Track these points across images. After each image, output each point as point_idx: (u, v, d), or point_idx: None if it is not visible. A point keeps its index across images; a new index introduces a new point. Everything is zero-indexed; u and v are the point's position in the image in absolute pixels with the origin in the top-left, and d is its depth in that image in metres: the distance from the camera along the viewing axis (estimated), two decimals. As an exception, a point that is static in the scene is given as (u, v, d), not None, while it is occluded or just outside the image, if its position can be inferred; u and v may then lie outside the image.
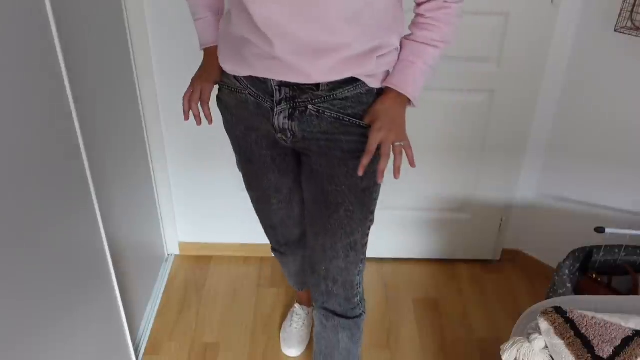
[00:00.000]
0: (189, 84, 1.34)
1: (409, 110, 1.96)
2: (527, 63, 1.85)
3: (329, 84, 1.16)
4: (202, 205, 2.20)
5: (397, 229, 2.23)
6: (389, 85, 1.20)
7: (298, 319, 1.95)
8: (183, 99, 1.32)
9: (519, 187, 2.13)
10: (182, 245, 2.31)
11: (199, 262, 2.29)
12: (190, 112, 1.33)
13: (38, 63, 1.17)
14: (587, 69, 1.82)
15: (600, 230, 1.74)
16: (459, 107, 1.95)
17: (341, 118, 1.20)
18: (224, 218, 2.23)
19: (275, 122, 1.23)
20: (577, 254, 1.79)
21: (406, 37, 1.21)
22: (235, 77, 1.25)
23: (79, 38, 1.41)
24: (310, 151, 1.27)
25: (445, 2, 1.17)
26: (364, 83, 1.18)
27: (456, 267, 2.30)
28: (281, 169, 1.38)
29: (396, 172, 1.15)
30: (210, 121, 1.31)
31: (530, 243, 2.25)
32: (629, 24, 1.60)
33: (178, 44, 1.84)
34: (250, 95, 1.24)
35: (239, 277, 2.23)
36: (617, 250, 1.79)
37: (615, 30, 1.62)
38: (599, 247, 1.79)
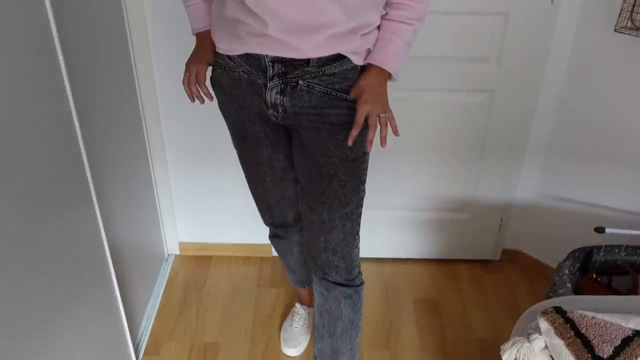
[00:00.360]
0: (184, 69, 1.41)
1: (408, 110, 1.96)
2: (527, 63, 1.85)
3: (318, 60, 1.24)
4: (202, 205, 2.20)
5: (397, 229, 2.24)
6: (371, 62, 1.28)
7: (299, 318, 1.95)
8: (183, 84, 1.40)
9: (518, 187, 2.13)
10: (182, 245, 2.31)
11: (199, 262, 2.29)
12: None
13: (38, 63, 1.17)
14: (587, 69, 1.82)
15: (600, 230, 1.74)
16: (459, 107, 1.95)
17: (329, 92, 1.27)
18: (224, 218, 2.23)
19: (268, 98, 1.30)
20: (577, 254, 1.79)
21: (383, 17, 1.29)
22: (228, 56, 1.31)
23: (79, 38, 1.41)
24: (301, 126, 1.33)
25: None
26: (349, 60, 1.26)
27: (456, 267, 2.30)
28: (274, 144, 1.43)
29: (383, 141, 1.23)
30: (210, 98, 1.40)
31: (530, 243, 2.25)
32: (629, 24, 1.60)
33: (178, 44, 1.83)
34: (243, 72, 1.30)
35: (239, 277, 2.23)
36: (617, 250, 1.79)
37: (615, 30, 1.62)
38: (599, 247, 1.79)
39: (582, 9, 1.75)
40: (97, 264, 1.48)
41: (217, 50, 1.34)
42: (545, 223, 2.14)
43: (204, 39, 1.40)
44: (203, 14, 1.39)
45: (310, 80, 1.26)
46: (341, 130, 1.30)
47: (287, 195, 1.55)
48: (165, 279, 2.20)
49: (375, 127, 1.24)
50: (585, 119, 1.89)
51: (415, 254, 2.30)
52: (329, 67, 1.25)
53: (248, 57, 1.27)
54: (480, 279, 2.24)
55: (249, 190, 1.88)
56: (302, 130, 1.34)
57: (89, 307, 1.43)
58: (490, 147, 2.03)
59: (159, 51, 1.86)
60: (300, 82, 1.26)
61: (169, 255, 2.32)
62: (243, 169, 1.55)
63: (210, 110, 1.97)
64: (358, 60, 1.27)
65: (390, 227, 2.22)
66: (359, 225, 1.46)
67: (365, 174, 1.40)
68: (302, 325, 1.94)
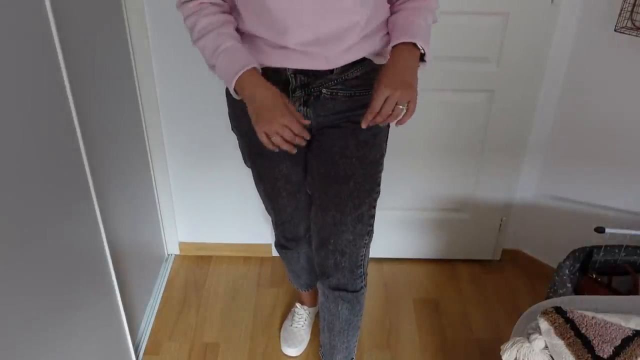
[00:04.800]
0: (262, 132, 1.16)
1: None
2: (527, 63, 1.85)
3: (342, 66, 1.20)
4: (202, 205, 2.20)
5: (396, 229, 2.23)
6: (396, 42, 1.17)
7: (299, 318, 1.95)
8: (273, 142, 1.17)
9: (518, 187, 2.13)
10: (182, 245, 2.31)
11: (199, 262, 2.29)
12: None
13: (38, 63, 1.17)
14: (587, 69, 1.82)
15: (600, 230, 1.74)
16: (459, 107, 1.95)
17: (353, 94, 1.25)
18: (224, 218, 2.23)
19: None
20: (577, 254, 1.79)
21: (396, 13, 1.24)
22: None
23: (79, 38, 1.41)
24: (322, 132, 1.31)
25: None
26: (370, 61, 1.24)
27: (456, 267, 2.30)
28: (292, 157, 1.38)
29: (379, 118, 1.13)
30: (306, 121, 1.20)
31: (530, 243, 2.25)
32: (629, 24, 1.60)
33: (178, 44, 1.84)
34: None
35: (239, 277, 2.23)
36: (617, 250, 1.79)
37: (615, 30, 1.62)
38: (599, 247, 1.79)
39: (582, 9, 1.75)
40: (97, 264, 1.48)
41: None
42: (545, 223, 2.14)
43: (257, 80, 1.15)
44: (244, 53, 1.18)
45: (334, 88, 1.23)
46: (362, 131, 1.26)
47: (300, 207, 1.54)
48: (165, 279, 2.20)
49: (388, 116, 1.12)
50: (585, 119, 1.89)
51: (415, 254, 2.30)
52: (351, 71, 1.22)
53: (267, 71, 1.21)
54: (480, 279, 2.24)
55: (249, 190, 1.88)
56: (322, 135, 1.31)
57: (89, 307, 1.43)
58: (490, 147, 2.03)
59: (159, 52, 1.86)
60: (324, 90, 1.23)
61: (169, 255, 2.32)
62: (258, 186, 1.52)
63: (211, 111, 1.97)
64: (380, 60, 1.24)
65: (390, 227, 2.22)
66: (371, 226, 1.43)
67: (380, 177, 1.38)
68: (302, 325, 1.94)
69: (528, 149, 2.04)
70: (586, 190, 1.99)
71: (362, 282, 1.51)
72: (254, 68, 1.16)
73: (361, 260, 1.47)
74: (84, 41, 1.45)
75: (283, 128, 1.11)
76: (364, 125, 1.13)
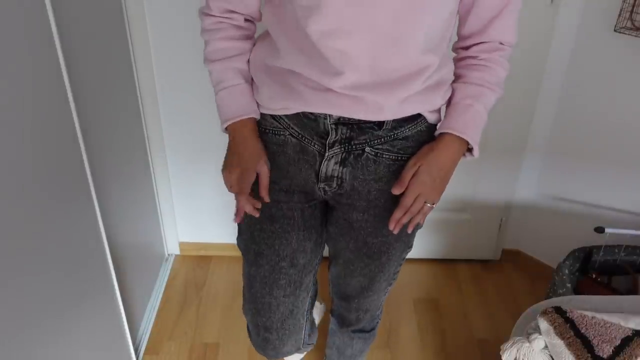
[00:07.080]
0: (226, 178, 1.12)
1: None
2: (527, 63, 1.85)
3: (393, 121, 1.03)
4: (202, 205, 2.20)
5: (397, 229, 2.23)
6: (447, 130, 1.04)
7: None
8: (236, 199, 1.11)
9: (518, 187, 2.13)
10: (182, 245, 2.31)
11: (199, 262, 2.29)
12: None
13: (38, 62, 1.17)
14: (587, 69, 1.82)
15: (600, 230, 1.74)
16: (459, 107, 1.95)
17: (400, 158, 1.07)
18: (224, 218, 2.23)
19: (323, 169, 1.07)
20: (577, 254, 1.79)
21: (457, 81, 1.10)
22: (272, 115, 1.08)
23: (79, 38, 1.41)
24: (354, 206, 1.12)
25: (502, 43, 1.06)
26: (425, 119, 1.07)
27: (456, 267, 2.30)
28: (307, 227, 1.17)
29: (410, 226, 1.09)
30: (257, 213, 1.13)
31: (530, 243, 2.25)
32: (629, 24, 1.60)
33: (178, 43, 1.84)
34: (291, 136, 1.07)
35: (239, 277, 2.22)
36: (617, 250, 1.79)
37: (615, 30, 1.62)
38: (599, 247, 1.79)
39: (582, 9, 1.75)
40: (97, 264, 1.48)
41: (259, 107, 1.10)
42: (545, 223, 2.14)
43: (246, 133, 1.07)
44: (246, 97, 1.08)
45: (379, 147, 1.05)
46: None
47: (295, 311, 1.25)
48: (165, 279, 2.20)
49: (414, 213, 1.06)
50: (585, 119, 1.89)
51: (415, 254, 2.30)
52: (402, 129, 1.04)
53: (301, 118, 1.04)
54: (481, 278, 2.24)
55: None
56: (354, 211, 1.13)
57: (89, 307, 1.43)
58: (490, 147, 2.03)
59: (159, 50, 1.86)
60: (367, 149, 1.04)
61: (169, 255, 2.32)
62: (252, 271, 1.25)
63: (211, 110, 1.97)
64: (433, 119, 1.08)
65: (390, 227, 2.22)
66: (395, 279, 1.31)
67: (414, 237, 1.24)
68: None
69: (528, 149, 2.04)
70: (586, 190, 1.99)
71: (377, 320, 1.48)
72: (250, 118, 1.08)
73: (381, 304, 1.40)
74: (84, 41, 1.45)
75: (237, 187, 1.09)
76: (391, 227, 1.06)
